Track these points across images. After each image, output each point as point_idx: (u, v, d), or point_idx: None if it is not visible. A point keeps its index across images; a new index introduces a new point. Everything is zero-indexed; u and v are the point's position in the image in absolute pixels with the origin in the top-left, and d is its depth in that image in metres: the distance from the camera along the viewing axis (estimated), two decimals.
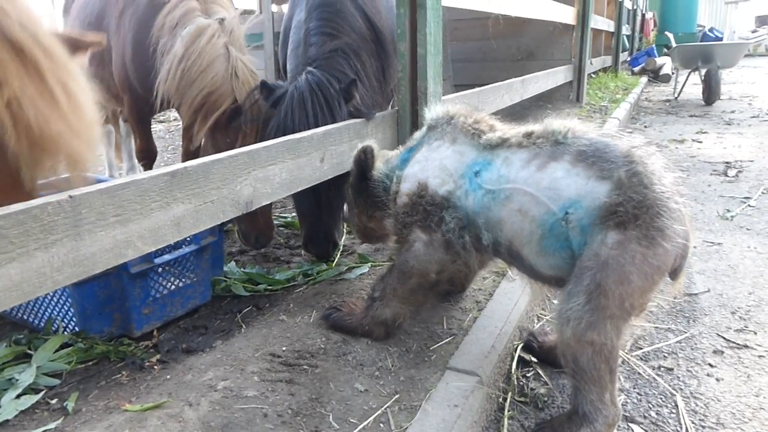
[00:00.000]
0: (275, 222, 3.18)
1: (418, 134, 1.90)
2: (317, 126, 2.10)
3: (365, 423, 1.45)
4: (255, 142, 1.87)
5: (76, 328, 1.89)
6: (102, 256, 1.26)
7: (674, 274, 1.47)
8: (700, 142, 5.59)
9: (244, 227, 2.49)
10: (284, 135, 1.96)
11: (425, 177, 1.71)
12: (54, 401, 1.63)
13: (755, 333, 2.14)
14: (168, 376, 1.68)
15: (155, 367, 1.77)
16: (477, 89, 3.33)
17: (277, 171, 1.78)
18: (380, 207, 1.88)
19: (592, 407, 1.46)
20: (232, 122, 2.36)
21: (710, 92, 7.78)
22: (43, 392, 1.64)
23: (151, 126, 3.29)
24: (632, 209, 1.34)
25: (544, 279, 1.61)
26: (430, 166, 1.72)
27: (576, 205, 1.41)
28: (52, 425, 1.48)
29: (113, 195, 1.27)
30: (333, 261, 2.50)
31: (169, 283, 2.04)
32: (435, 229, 1.68)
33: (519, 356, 1.89)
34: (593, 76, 9.18)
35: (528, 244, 1.52)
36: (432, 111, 1.85)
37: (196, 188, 1.49)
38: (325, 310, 1.95)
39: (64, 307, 1.92)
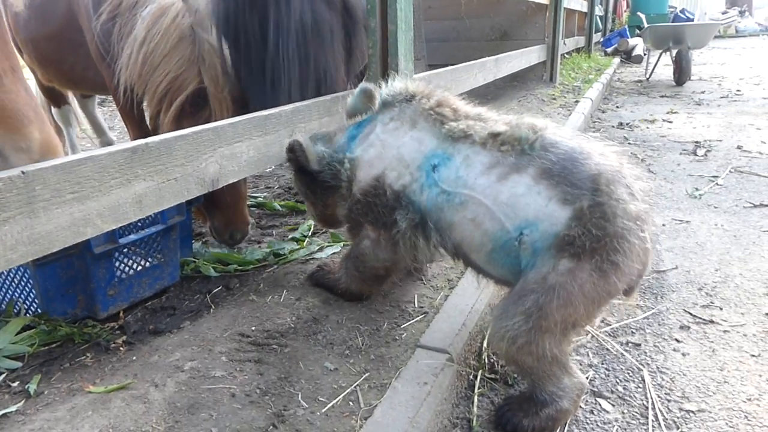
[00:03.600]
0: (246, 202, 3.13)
1: (359, 105, 1.78)
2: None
3: (334, 401, 1.44)
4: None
5: (39, 310, 1.84)
6: (59, 234, 1.22)
7: (627, 292, 1.44)
8: (671, 122, 5.65)
9: (216, 222, 2.34)
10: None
11: (381, 169, 1.61)
12: (15, 384, 1.59)
13: (721, 309, 2.18)
14: (134, 358, 1.64)
15: (121, 348, 1.74)
16: (450, 68, 3.31)
17: (244, 148, 1.74)
18: (332, 193, 1.81)
19: (553, 395, 1.46)
20: (197, 108, 2.20)
21: (681, 73, 7.87)
22: (3, 375, 1.59)
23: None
24: (590, 243, 1.27)
25: (493, 279, 1.60)
26: (387, 154, 1.62)
27: (532, 227, 1.34)
28: (12, 408, 1.44)
29: (69, 171, 1.22)
30: (304, 241, 2.47)
31: (136, 264, 2.00)
32: (386, 227, 1.64)
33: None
34: (567, 56, 9.21)
35: (477, 252, 1.49)
36: (390, 86, 1.72)
37: (159, 165, 1.44)
38: (315, 268, 2.06)
39: (26, 288, 1.86)
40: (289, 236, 2.59)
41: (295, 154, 1.76)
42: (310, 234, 2.55)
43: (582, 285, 1.29)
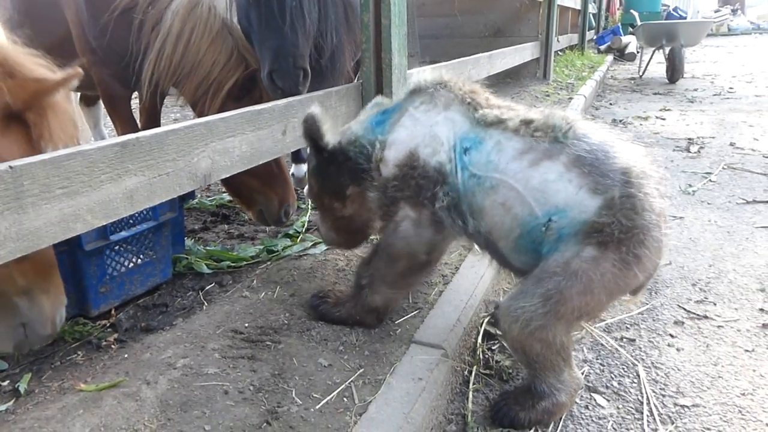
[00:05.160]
0: None
1: (384, 100, 1.78)
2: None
3: (329, 398, 1.43)
4: None
5: None
6: (48, 230, 1.20)
7: (636, 291, 1.47)
8: (664, 119, 5.67)
9: (268, 202, 2.32)
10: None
11: (414, 144, 1.55)
12: (5, 383, 1.57)
13: (714, 304, 2.18)
14: (125, 356, 1.62)
15: (112, 346, 1.72)
16: (443, 63, 3.30)
17: (237, 143, 1.72)
18: (358, 180, 1.68)
19: (552, 387, 1.46)
20: (246, 90, 2.23)
21: (674, 70, 7.89)
22: None
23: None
24: (618, 233, 1.30)
25: (514, 269, 1.58)
26: (419, 132, 1.56)
27: (561, 213, 1.34)
28: (2, 407, 1.43)
29: (58, 166, 1.20)
30: (297, 237, 2.46)
31: (127, 261, 1.98)
32: (426, 206, 1.54)
33: (484, 330, 1.89)
34: (560, 53, 9.22)
35: (505, 239, 1.47)
36: (421, 74, 1.67)
37: (150, 160, 1.43)
38: (311, 298, 1.83)
39: None
40: (282, 233, 2.57)
41: (311, 124, 1.64)
42: (303, 230, 2.54)
43: (604, 274, 1.31)
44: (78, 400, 1.40)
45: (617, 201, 1.30)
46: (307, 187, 1.99)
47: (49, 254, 1.48)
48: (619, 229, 1.29)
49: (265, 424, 1.34)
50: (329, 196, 1.79)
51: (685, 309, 2.16)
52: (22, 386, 1.51)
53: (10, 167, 1.11)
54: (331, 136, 1.69)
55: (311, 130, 1.65)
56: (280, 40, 2.05)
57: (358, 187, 1.70)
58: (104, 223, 1.35)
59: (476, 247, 1.62)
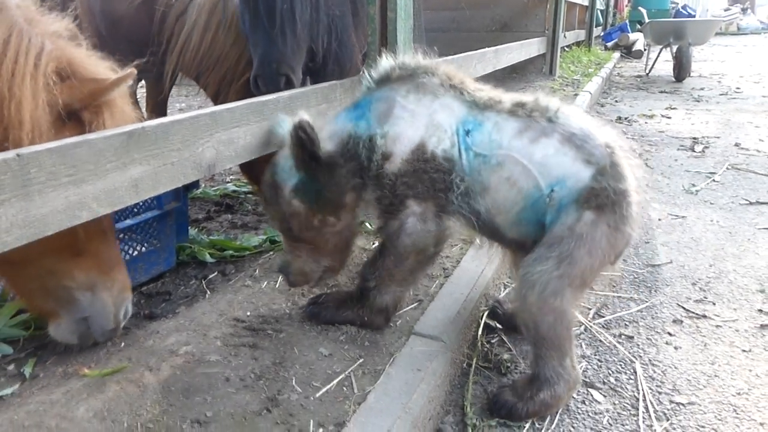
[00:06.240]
0: (242, 189, 3.14)
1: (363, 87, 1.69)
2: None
3: (328, 386, 1.45)
4: None
5: None
6: (54, 217, 1.22)
7: (615, 259, 1.58)
8: (669, 117, 5.65)
9: None
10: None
11: (419, 136, 1.53)
12: (11, 367, 1.59)
13: (714, 304, 2.19)
14: (129, 342, 1.65)
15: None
16: (449, 58, 3.30)
17: (242, 134, 1.73)
18: (356, 183, 1.60)
19: (554, 372, 1.51)
20: None
21: (681, 69, 7.86)
22: None
23: None
24: (611, 196, 1.44)
25: (506, 241, 1.64)
26: (420, 123, 1.54)
27: (561, 184, 1.46)
28: (8, 390, 1.45)
29: (65, 154, 1.22)
30: None
31: (132, 249, 2.00)
32: (436, 198, 1.54)
33: (484, 323, 1.91)
34: (567, 49, 9.19)
35: (506, 213, 1.53)
36: (387, 61, 1.64)
37: (155, 149, 1.44)
38: (309, 305, 1.76)
39: None
40: None
41: (306, 132, 1.49)
42: None
43: (602, 235, 1.44)
44: (82, 385, 1.43)
45: (608, 168, 1.45)
46: (275, 216, 1.69)
47: (114, 250, 1.56)
48: (612, 192, 1.43)
49: (265, 411, 1.36)
50: (322, 213, 1.63)
51: (684, 308, 2.17)
52: (27, 370, 1.53)
53: (18, 155, 1.13)
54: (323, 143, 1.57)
55: (307, 139, 1.49)
56: (266, 46, 2.06)
57: (355, 192, 1.63)
58: (109, 212, 1.37)
59: (472, 227, 1.60)
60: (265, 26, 2.04)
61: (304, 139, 1.49)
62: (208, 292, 1.99)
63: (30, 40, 1.34)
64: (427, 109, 1.57)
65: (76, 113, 1.39)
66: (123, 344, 1.63)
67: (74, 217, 1.26)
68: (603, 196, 1.43)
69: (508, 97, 1.60)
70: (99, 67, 1.48)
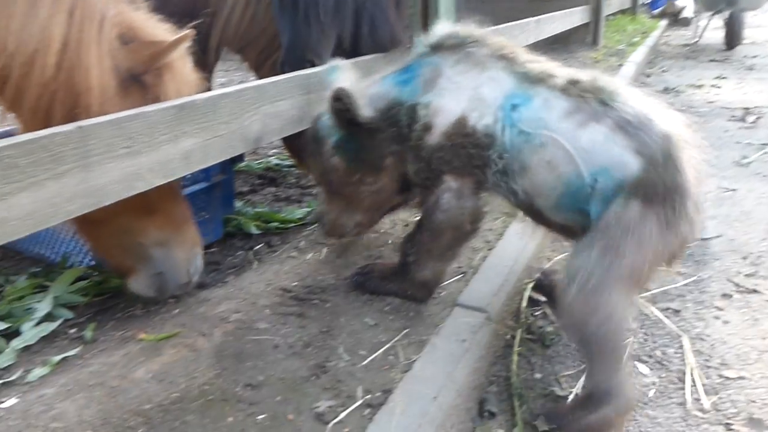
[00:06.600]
0: (285, 162, 3.18)
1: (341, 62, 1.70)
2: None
3: (375, 355, 1.48)
4: None
5: (92, 263, 1.92)
6: (112, 187, 1.26)
7: (671, 259, 1.46)
8: (719, 87, 5.44)
9: None
10: None
11: (461, 110, 1.50)
12: (72, 331, 1.67)
13: (765, 278, 2.13)
14: (181, 309, 1.71)
15: (169, 300, 1.80)
16: (489, 29, 3.23)
17: (287, 107, 1.75)
18: (396, 149, 1.60)
19: (610, 386, 1.35)
20: None
21: (732, 36, 7.51)
22: (60, 321, 1.68)
23: None
24: (662, 189, 1.33)
25: (551, 225, 1.57)
26: (464, 96, 1.51)
27: (606, 173, 1.36)
28: (72, 352, 1.53)
29: (121, 127, 1.25)
30: None
31: None
32: (474, 174, 1.52)
33: (528, 295, 1.91)
34: (611, 18, 8.89)
35: (545, 197, 1.46)
36: (442, 27, 1.61)
37: (205, 122, 1.47)
38: (355, 275, 1.79)
39: (79, 242, 1.94)
40: None
41: (342, 102, 1.53)
42: None
43: (651, 230, 1.33)
44: (139, 349, 1.49)
45: (660, 160, 1.33)
46: (316, 170, 1.78)
47: (183, 208, 1.64)
48: (663, 185, 1.33)
49: (314, 377, 1.40)
50: (361, 172, 1.67)
51: (733, 282, 2.12)
52: (88, 334, 1.61)
53: (79, 127, 1.17)
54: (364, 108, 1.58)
55: (347, 107, 1.53)
56: (291, 34, 2.06)
57: (393, 157, 1.63)
58: (163, 182, 1.41)
59: (513, 206, 1.60)
60: (291, 13, 2.04)
61: (342, 107, 1.53)
62: (255, 263, 2.04)
63: (93, 6, 1.38)
64: (473, 81, 1.52)
65: (138, 77, 1.44)
66: (176, 311, 1.70)
67: (130, 187, 1.31)
68: (652, 189, 1.33)
69: (563, 72, 1.50)
70: (158, 29, 1.51)
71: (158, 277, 1.61)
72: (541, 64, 1.54)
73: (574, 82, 1.46)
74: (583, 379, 1.58)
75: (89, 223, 1.45)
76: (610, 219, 1.35)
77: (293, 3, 2.01)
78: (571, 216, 1.47)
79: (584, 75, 1.48)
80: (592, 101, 1.42)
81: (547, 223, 1.57)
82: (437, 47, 1.60)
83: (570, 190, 1.41)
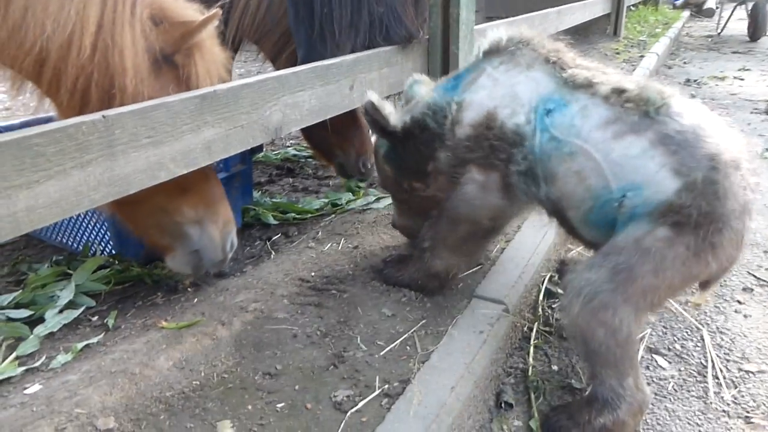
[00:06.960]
0: (302, 153, 3.19)
1: (422, 77, 1.73)
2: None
3: (392, 345, 1.49)
4: None
5: (113, 251, 1.95)
6: (136, 176, 1.28)
7: (706, 284, 1.39)
8: (742, 79, 5.35)
9: (346, 154, 2.39)
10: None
11: (493, 105, 1.48)
12: (95, 318, 1.71)
13: None
14: (201, 298, 1.73)
15: (189, 289, 1.83)
16: (509, 19, 3.21)
17: (306, 97, 1.76)
18: (428, 154, 1.61)
19: (613, 393, 1.31)
20: None
21: (756, 27, 7.37)
22: (83, 308, 1.71)
23: None
24: (696, 216, 1.22)
25: (584, 241, 1.52)
26: (498, 92, 1.49)
27: (637, 191, 1.27)
28: (94, 339, 1.55)
29: (145, 117, 1.27)
30: (360, 192, 2.50)
31: None
32: (497, 168, 1.47)
33: (546, 288, 1.90)
34: (632, 9, 8.77)
35: (576, 209, 1.40)
36: (496, 31, 1.58)
37: (226, 112, 1.48)
38: (380, 262, 1.83)
39: (101, 231, 1.97)
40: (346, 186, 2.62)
41: (369, 114, 1.61)
42: (366, 186, 2.58)
43: (676, 257, 1.24)
44: (161, 337, 1.52)
45: (699, 184, 1.22)
46: (379, 178, 1.89)
47: (218, 187, 1.67)
48: (697, 212, 1.22)
49: (332, 366, 1.41)
50: (409, 178, 1.72)
51: (755, 276, 2.09)
52: (110, 322, 1.64)
53: (104, 116, 1.19)
54: (396, 117, 1.63)
55: (376, 119, 1.61)
56: (307, 48, 2.07)
57: (427, 161, 1.63)
58: (185, 172, 1.42)
59: (545, 214, 1.55)
60: (306, 28, 2.05)
61: (371, 119, 1.63)
62: (273, 253, 2.05)
63: None
64: (512, 79, 1.49)
65: (169, 57, 1.45)
66: (196, 300, 1.72)
67: (154, 177, 1.32)
68: (684, 215, 1.22)
69: (612, 80, 1.40)
70: (187, 9, 1.52)
71: (194, 254, 1.64)
72: (590, 70, 1.46)
73: (619, 91, 1.37)
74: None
75: (126, 204, 1.46)
76: (629, 240, 1.27)
77: (309, 16, 2.02)
78: (599, 233, 1.39)
79: (632, 84, 1.38)
80: (634, 112, 1.33)
81: (579, 238, 1.52)
82: (488, 53, 1.58)
83: (598, 204, 1.34)
